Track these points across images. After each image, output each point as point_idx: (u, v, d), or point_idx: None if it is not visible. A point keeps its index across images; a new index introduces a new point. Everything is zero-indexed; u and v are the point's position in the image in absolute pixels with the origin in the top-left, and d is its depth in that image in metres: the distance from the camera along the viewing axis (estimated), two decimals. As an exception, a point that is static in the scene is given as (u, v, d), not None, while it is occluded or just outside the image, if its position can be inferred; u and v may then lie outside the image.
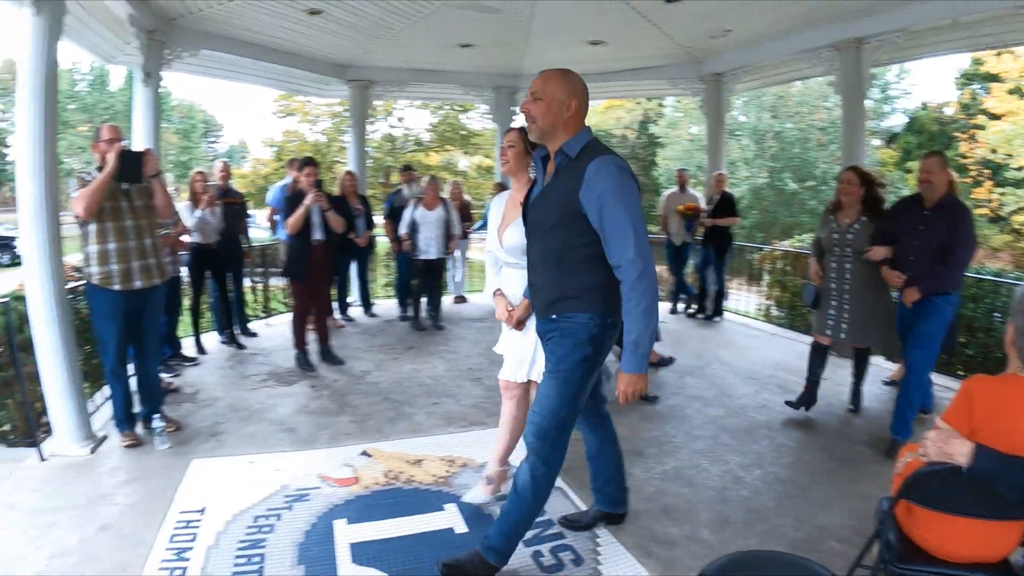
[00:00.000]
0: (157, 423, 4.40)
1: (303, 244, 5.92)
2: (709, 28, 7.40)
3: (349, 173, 8.11)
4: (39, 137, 4.09)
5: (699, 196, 8.78)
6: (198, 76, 8.26)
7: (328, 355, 6.34)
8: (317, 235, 6.00)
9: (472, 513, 3.49)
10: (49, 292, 4.19)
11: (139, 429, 4.55)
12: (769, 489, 3.76)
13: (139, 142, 6.39)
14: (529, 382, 3.37)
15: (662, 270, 11.25)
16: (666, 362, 6.11)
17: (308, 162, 6.02)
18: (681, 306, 9.06)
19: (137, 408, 4.61)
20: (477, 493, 3.59)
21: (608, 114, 32.48)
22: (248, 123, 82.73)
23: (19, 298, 4.74)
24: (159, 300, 4.58)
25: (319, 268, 6.09)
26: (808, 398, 4.93)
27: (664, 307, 8.70)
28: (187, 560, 3.08)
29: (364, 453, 4.23)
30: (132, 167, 4.18)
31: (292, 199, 6.03)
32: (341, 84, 9.53)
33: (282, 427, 4.73)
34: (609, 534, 3.28)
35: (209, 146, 52.05)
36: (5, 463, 4.19)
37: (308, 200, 5.83)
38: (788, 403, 4.98)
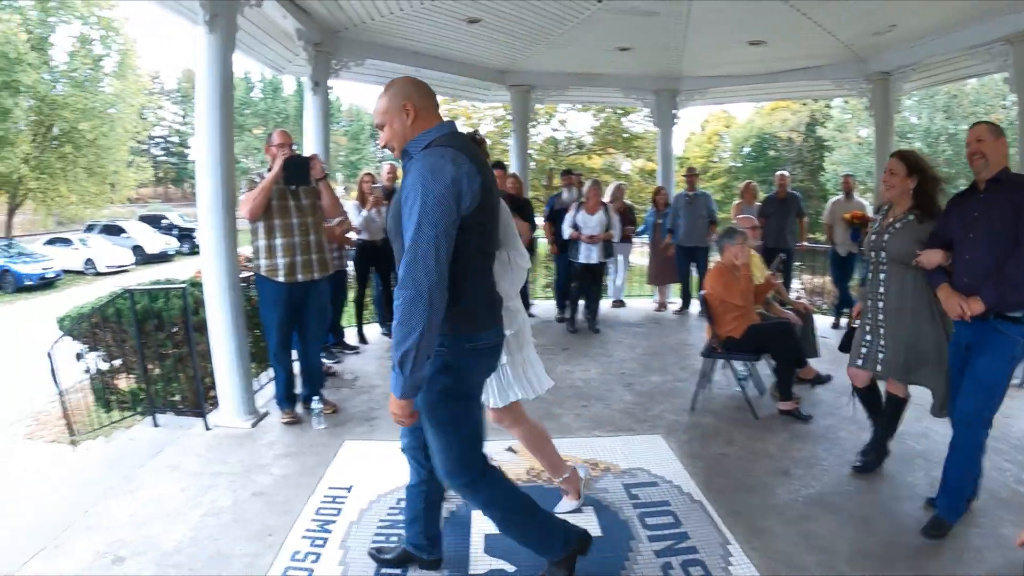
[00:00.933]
0: (316, 404, 4.72)
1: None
2: (873, 24, 6.94)
3: (513, 176, 8.21)
4: (216, 140, 4.53)
5: (866, 204, 8.22)
6: (364, 84, 8.74)
7: None
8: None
9: (610, 519, 3.46)
10: (223, 280, 4.63)
11: (299, 409, 4.92)
12: (919, 526, 3.33)
13: (309, 146, 6.93)
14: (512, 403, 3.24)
15: (826, 281, 10.63)
16: (823, 380, 5.74)
17: (496, 165, 5.76)
18: (844, 321, 8.49)
19: (299, 389, 4.99)
20: (566, 503, 3.53)
21: (774, 116, 31.22)
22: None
23: (195, 284, 5.29)
24: (322, 292, 4.87)
25: None
26: (874, 455, 4.03)
27: (827, 321, 8.28)
28: (329, 532, 3.31)
29: (510, 449, 4.29)
30: (299, 171, 4.53)
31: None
32: (502, 89, 9.79)
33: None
34: (742, 553, 3.14)
35: (378, 148, 54.75)
36: (174, 430, 4.80)
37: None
38: (856, 468, 4.03)
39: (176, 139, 48.38)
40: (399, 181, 7.94)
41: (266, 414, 4.94)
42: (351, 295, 7.17)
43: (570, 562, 2.73)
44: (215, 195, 4.53)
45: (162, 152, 48.21)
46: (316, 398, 4.77)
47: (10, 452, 7.48)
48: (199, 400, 4.93)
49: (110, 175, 26.81)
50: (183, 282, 5.62)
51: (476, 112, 25.43)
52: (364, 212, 6.68)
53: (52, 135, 24.85)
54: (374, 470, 3.97)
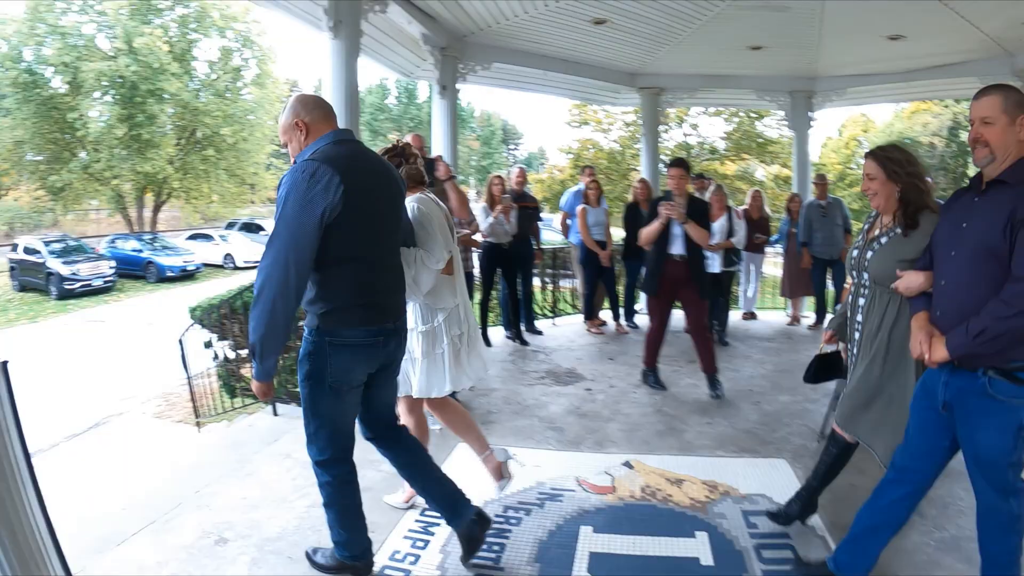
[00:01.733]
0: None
1: (657, 257, 5.39)
2: (1021, 13, 6.30)
3: (642, 181, 8.06)
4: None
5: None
6: (492, 88, 8.82)
7: (713, 383, 5.46)
8: (676, 249, 5.32)
9: (723, 548, 3.20)
10: None
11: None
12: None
13: (437, 149, 7.02)
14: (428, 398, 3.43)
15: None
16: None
17: (677, 163, 5.38)
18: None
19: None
20: (497, 488, 3.57)
21: (914, 119, 29.34)
22: (546, 131, 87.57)
23: None
24: None
25: (676, 285, 5.37)
26: (799, 506, 3.32)
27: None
28: (431, 535, 3.29)
29: (626, 463, 4.14)
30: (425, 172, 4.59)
31: (650, 208, 5.63)
32: (631, 92, 9.59)
33: (551, 425, 4.80)
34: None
35: (509, 152, 55.41)
36: (292, 419, 4.90)
37: (664, 212, 5.18)
38: (770, 515, 3.41)
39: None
40: (529, 186, 7.98)
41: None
42: (476, 297, 7.21)
43: (344, 569, 2.91)
44: None
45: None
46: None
47: (140, 428, 7.95)
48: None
49: (249, 177, 28.51)
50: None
51: (607, 117, 25.15)
52: (492, 216, 6.70)
53: (195, 139, 26.63)
54: (485, 476, 3.91)
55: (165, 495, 3.73)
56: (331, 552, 2.94)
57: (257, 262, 2.44)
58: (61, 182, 24.38)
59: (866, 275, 2.89)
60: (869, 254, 2.88)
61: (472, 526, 2.96)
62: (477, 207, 6.67)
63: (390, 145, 3.39)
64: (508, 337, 7.37)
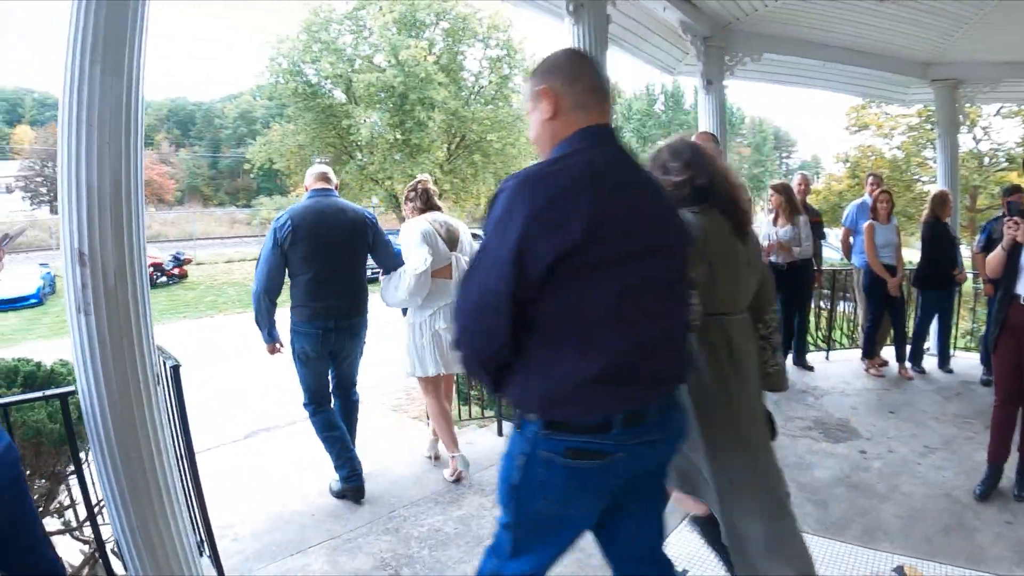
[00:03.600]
0: None
1: (1002, 298, 3.86)
2: None
3: (941, 193, 6.50)
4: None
5: None
6: (763, 83, 7.85)
7: None
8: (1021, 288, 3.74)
9: None
10: None
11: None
12: None
13: (704, 149, 6.30)
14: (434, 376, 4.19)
15: None
16: None
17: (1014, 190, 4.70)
18: None
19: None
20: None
21: None
22: (821, 138, 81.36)
23: None
24: None
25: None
26: None
27: None
28: None
29: (898, 570, 3.09)
30: None
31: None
32: (922, 85, 7.96)
33: (812, 497, 3.82)
34: None
35: (782, 160, 52.68)
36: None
37: (1010, 232, 3.62)
38: None
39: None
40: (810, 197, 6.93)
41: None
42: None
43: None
44: None
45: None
46: None
47: (377, 417, 8.20)
48: (498, 414, 4.83)
49: (515, 183, 29.78)
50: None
51: (889, 119, 22.24)
52: (776, 230, 5.86)
53: (463, 144, 28.13)
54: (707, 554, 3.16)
55: (358, 510, 3.73)
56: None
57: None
58: (341, 181, 27.16)
59: None
60: None
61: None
62: (759, 218, 5.93)
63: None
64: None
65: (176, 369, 2.62)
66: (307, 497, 3.95)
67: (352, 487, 3.81)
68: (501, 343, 1.62)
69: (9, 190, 39.47)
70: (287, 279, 3.83)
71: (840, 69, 7.42)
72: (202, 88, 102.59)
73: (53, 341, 11.91)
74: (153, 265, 20.15)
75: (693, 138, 3.93)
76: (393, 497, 3.86)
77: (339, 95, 26.86)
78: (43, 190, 38.95)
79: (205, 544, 2.82)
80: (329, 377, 4.00)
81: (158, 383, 2.34)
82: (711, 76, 6.28)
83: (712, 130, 6.22)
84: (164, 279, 20.45)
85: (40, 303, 17.61)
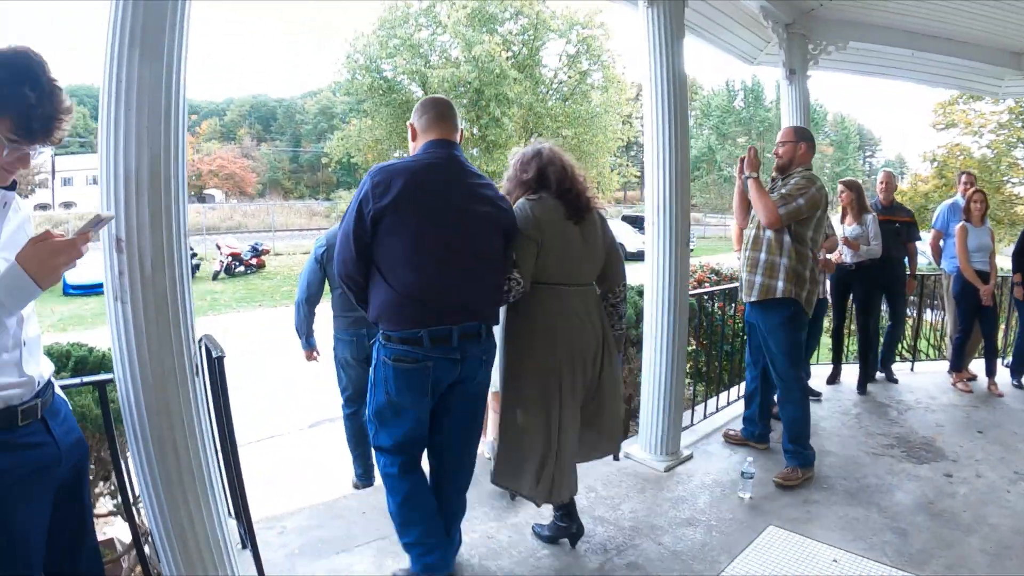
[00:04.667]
0: (747, 466, 3.77)
1: None
2: None
3: None
4: (663, 131, 3.96)
5: None
6: (848, 74, 7.41)
7: None
8: None
9: None
10: (666, 293, 4.08)
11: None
12: None
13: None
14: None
15: None
16: None
17: None
18: None
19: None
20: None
21: None
22: (904, 136, 77.84)
23: (641, 293, 4.91)
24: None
25: None
26: None
27: None
28: None
29: None
30: None
31: None
32: (1016, 77, 7.33)
33: (891, 524, 3.49)
34: None
35: (865, 160, 50.97)
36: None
37: None
38: None
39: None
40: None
41: (689, 457, 4.24)
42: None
43: None
44: (664, 197, 3.99)
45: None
46: (750, 460, 3.80)
47: None
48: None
49: (593, 178, 29.34)
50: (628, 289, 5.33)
51: (978, 116, 20.86)
52: (843, 227, 5.61)
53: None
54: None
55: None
56: None
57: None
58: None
59: None
60: None
61: None
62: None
63: None
64: (891, 377, 6.15)
65: (220, 360, 2.58)
66: (359, 492, 3.91)
67: None
68: (351, 267, 2.50)
69: (96, 181, 41.55)
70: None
71: (928, 59, 6.92)
72: (284, 85, 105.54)
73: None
74: (232, 255, 20.74)
75: (780, 134, 4.11)
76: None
77: (415, 90, 27.08)
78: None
79: (247, 538, 2.78)
80: None
81: (197, 374, 2.28)
82: (793, 66, 5.93)
83: (795, 120, 5.92)
84: (242, 268, 20.91)
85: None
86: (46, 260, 1.55)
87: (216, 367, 2.59)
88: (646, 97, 4.03)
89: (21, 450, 1.66)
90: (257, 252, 21.86)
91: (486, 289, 2.62)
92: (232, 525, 2.83)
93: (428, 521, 2.67)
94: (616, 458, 3.45)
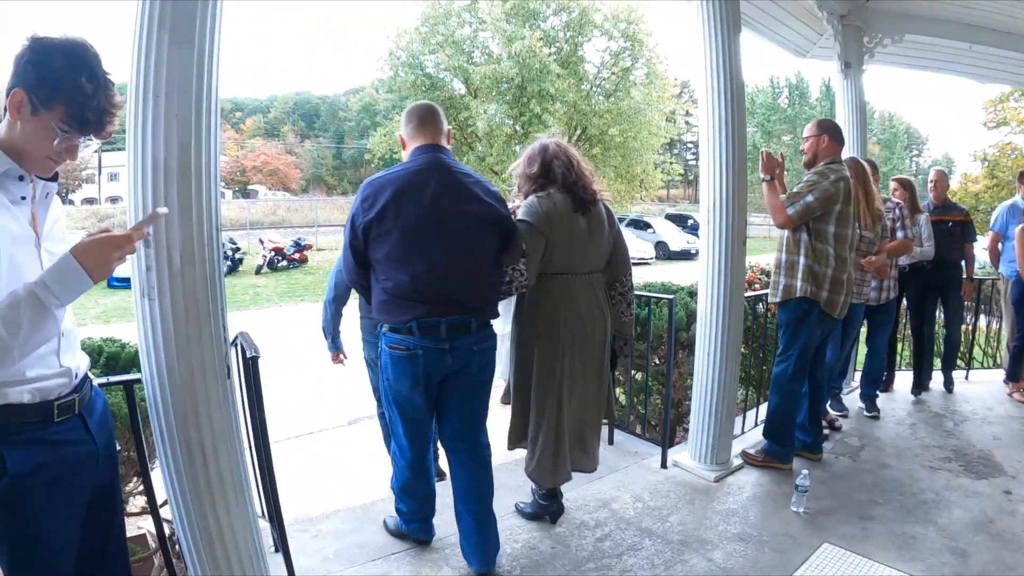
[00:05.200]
0: (802, 479, 3.57)
1: None
2: None
3: None
4: (718, 127, 3.82)
5: None
6: (906, 68, 7.08)
7: None
8: None
9: None
10: (720, 295, 3.90)
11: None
12: None
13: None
14: None
15: None
16: None
17: None
18: None
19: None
20: None
21: None
22: (953, 135, 75.26)
23: (693, 294, 4.72)
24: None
25: None
26: None
27: None
28: None
29: None
30: None
31: None
32: None
33: (950, 543, 3.26)
34: None
35: (912, 159, 49.81)
36: (627, 454, 4.31)
37: None
38: None
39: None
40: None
41: (740, 467, 4.06)
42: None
43: None
44: (719, 195, 3.82)
45: (692, 156, 50.62)
46: (804, 473, 3.60)
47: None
48: (664, 429, 4.29)
49: (637, 175, 28.92)
50: (678, 290, 5.13)
51: None
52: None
53: (584, 137, 27.52)
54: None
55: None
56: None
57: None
58: (463, 172, 27.46)
59: None
60: None
61: None
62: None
63: None
64: (912, 389, 5.81)
65: (255, 360, 2.49)
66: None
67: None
68: (355, 273, 2.75)
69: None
70: None
71: (986, 52, 6.57)
72: (328, 82, 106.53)
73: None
74: (275, 250, 20.94)
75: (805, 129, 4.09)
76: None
77: (458, 86, 26.93)
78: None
79: (279, 542, 2.69)
80: None
81: (229, 375, 2.18)
82: (849, 59, 5.70)
83: (851, 120, 5.70)
84: (285, 263, 21.12)
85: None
86: (103, 254, 1.54)
87: (251, 367, 2.50)
88: (701, 92, 3.88)
89: (54, 447, 1.61)
90: (300, 247, 22.06)
91: (476, 284, 2.71)
92: (265, 527, 2.75)
93: (418, 505, 3.04)
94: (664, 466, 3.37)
